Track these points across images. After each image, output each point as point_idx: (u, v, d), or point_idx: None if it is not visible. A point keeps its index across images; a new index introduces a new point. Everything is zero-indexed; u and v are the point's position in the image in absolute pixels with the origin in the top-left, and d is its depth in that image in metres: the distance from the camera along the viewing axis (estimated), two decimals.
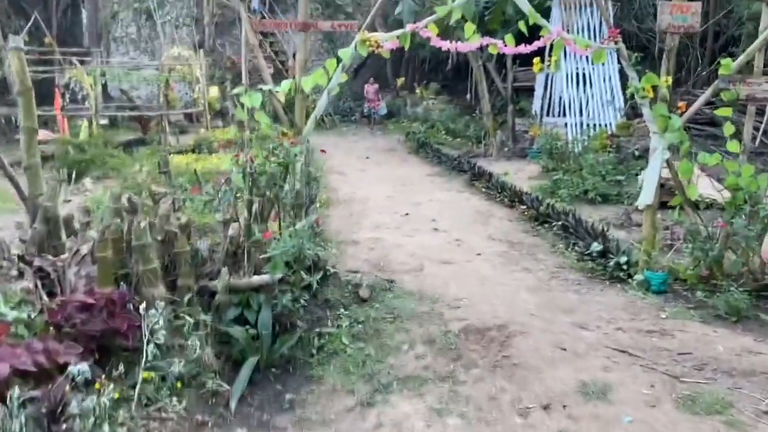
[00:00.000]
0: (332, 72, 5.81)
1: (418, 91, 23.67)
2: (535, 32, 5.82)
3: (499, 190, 10.13)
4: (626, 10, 15.11)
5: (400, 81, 25.43)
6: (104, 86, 19.72)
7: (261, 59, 6.07)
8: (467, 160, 13.25)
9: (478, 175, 11.54)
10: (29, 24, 19.26)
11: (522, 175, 11.90)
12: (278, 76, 24.29)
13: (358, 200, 10.15)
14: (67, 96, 16.47)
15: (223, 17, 24.18)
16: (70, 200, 8.01)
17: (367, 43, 5.68)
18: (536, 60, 7.49)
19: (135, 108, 19.57)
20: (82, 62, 16.29)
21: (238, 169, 5.39)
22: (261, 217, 5.40)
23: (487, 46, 5.86)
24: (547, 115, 14.64)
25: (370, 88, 22.57)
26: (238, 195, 5.50)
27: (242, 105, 5.66)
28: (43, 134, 17.74)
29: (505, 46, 5.85)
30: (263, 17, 23.62)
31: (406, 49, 6.05)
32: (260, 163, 5.51)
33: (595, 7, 14.10)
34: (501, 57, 18.13)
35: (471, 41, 5.81)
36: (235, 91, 5.77)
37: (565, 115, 13.93)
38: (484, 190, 10.70)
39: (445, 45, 5.85)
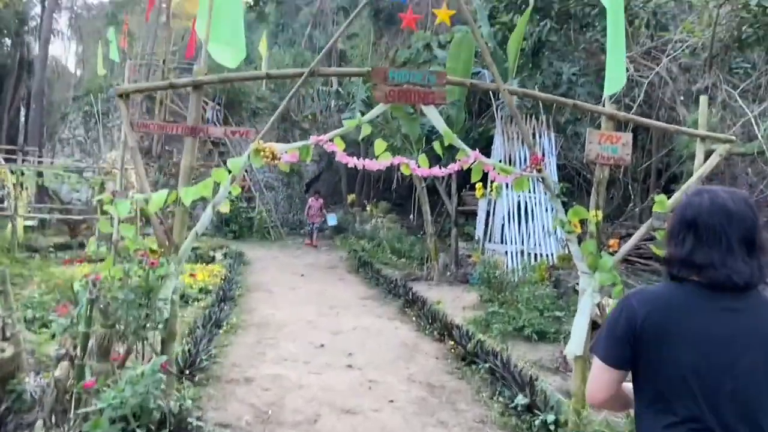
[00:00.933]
0: (222, 183, 5.01)
1: (368, 208, 23.25)
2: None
3: (430, 321, 9.22)
4: (571, 142, 15.07)
5: (351, 197, 25.10)
6: (42, 187, 18.80)
7: (139, 164, 5.25)
8: (404, 283, 12.43)
9: (411, 302, 10.66)
10: None
11: (459, 303, 11.06)
12: None
13: (274, 325, 9.11)
14: None
15: (175, 123, 23.80)
16: None
17: (262, 153, 4.94)
18: (479, 185, 6.88)
19: (64, 210, 18.50)
20: (8, 160, 15.34)
21: (83, 291, 4.41)
22: (101, 353, 4.35)
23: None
24: (489, 241, 14.07)
25: (315, 203, 21.78)
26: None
27: (108, 215, 4.77)
28: None
29: (418, 167, 5.18)
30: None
31: (307, 162, 5.34)
32: (113, 286, 4.53)
33: (538, 137, 14.00)
34: (450, 179, 17.93)
35: (381, 159, 5.13)
36: (98, 197, 4.90)
37: (505, 242, 13.38)
38: (415, 318, 9.79)
39: (352, 161, 5.16)
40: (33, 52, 29.07)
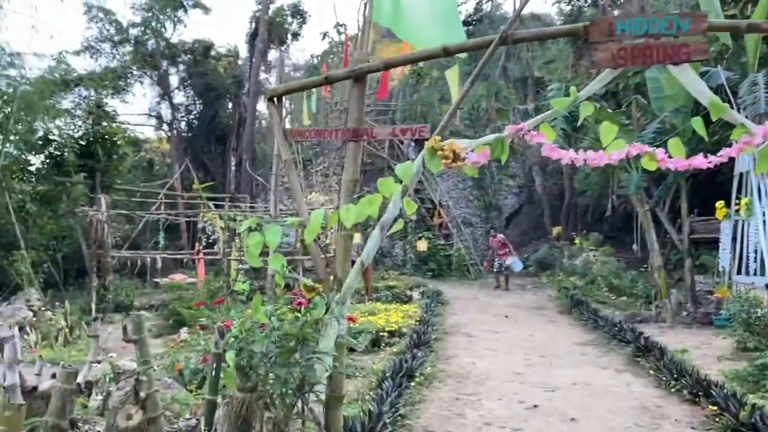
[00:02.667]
0: (392, 197, 3.77)
1: (577, 241, 20.93)
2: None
3: (675, 376, 7.08)
4: None
5: (557, 230, 22.89)
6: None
7: (294, 180, 4.23)
8: (631, 326, 10.23)
9: (644, 350, 8.51)
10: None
11: (707, 351, 8.67)
12: (422, 224, 23.06)
13: (475, 377, 7.62)
14: (203, 239, 16.11)
15: (372, 165, 23.79)
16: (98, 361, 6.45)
17: (440, 153, 3.62)
18: (719, 204, 4.97)
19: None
20: (218, 206, 15.95)
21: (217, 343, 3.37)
22: (238, 426, 3.23)
23: (654, 181, 3.56)
24: (738, 273, 11.25)
25: (494, 242, 18.71)
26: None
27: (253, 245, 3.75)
28: (179, 277, 17.54)
29: (669, 157, 3.47)
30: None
31: (502, 162, 3.91)
32: (254, 335, 3.44)
33: None
34: (674, 204, 15.20)
35: (612, 149, 3.51)
36: (245, 225, 3.90)
37: (765, 273, 10.50)
38: (652, 372, 7.66)
39: (567, 156, 3.61)
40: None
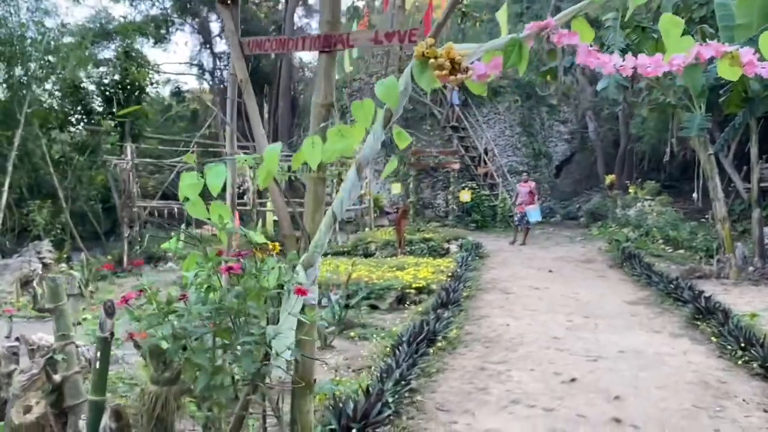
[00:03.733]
0: (369, 123, 2.80)
1: (631, 190, 19.42)
2: None
3: (742, 345, 5.97)
4: None
5: (610, 178, 21.33)
6: (296, 180, 18.85)
7: (252, 105, 3.27)
8: (690, 283, 9.03)
9: (705, 311, 7.36)
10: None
11: None
12: (466, 174, 21.86)
13: (507, 341, 6.68)
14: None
15: (414, 112, 22.57)
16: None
17: (434, 62, 2.60)
18: None
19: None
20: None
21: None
22: None
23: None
24: None
25: (523, 188, 16.07)
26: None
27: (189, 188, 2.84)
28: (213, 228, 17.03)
29: (761, 60, 2.36)
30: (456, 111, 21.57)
31: (521, 73, 2.87)
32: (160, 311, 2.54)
33: None
34: (741, 150, 13.62)
35: (673, 51, 2.42)
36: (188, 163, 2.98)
37: None
38: (714, 338, 6.55)
39: (610, 63, 2.53)
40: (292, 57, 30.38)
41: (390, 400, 4.26)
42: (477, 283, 10.04)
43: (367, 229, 14.92)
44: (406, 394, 4.77)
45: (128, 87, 15.47)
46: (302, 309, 2.99)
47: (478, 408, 4.69)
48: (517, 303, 8.77)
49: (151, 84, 16.09)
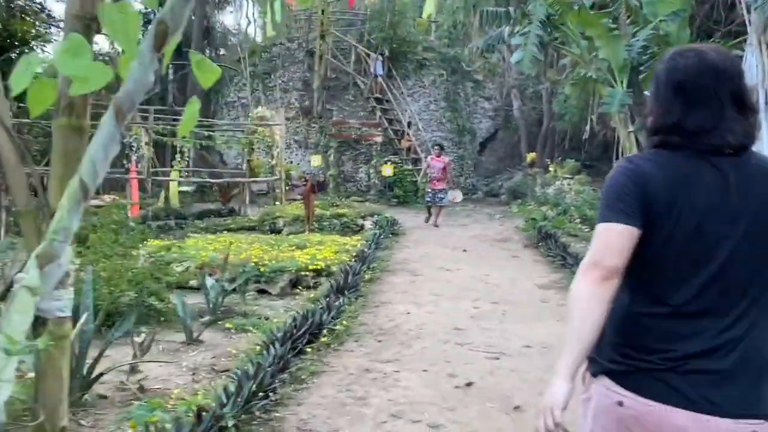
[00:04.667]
0: (133, 43, 1.74)
1: (551, 168, 19.07)
2: None
3: None
4: None
5: (531, 156, 20.97)
6: (203, 149, 17.38)
7: None
8: None
9: None
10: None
11: None
12: (389, 147, 20.97)
13: (403, 334, 5.83)
14: (132, 156, 13.94)
15: (337, 81, 21.40)
16: None
17: None
18: None
19: (215, 174, 16.90)
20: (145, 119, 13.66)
21: None
22: None
23: None
24: None
25: (436, 162, 14.16)
26: None
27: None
28: (108, 198, 15.47)
29: None
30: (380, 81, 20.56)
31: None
32: None
33: None
34: None
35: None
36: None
37: None
38: None
39: None
40: (213, 20, 28.47)
41: (230, 424, 3.29)
42: (385, 264, 9.18)
43: (277, 203, 13.80)
44: (264, 409, 3.83)
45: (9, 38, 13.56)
46: (39, 325, 1.96)
47: (349, 427, 3.79)
48: (423, 287, 7.96)
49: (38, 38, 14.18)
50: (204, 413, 3.30)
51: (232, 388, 3.78)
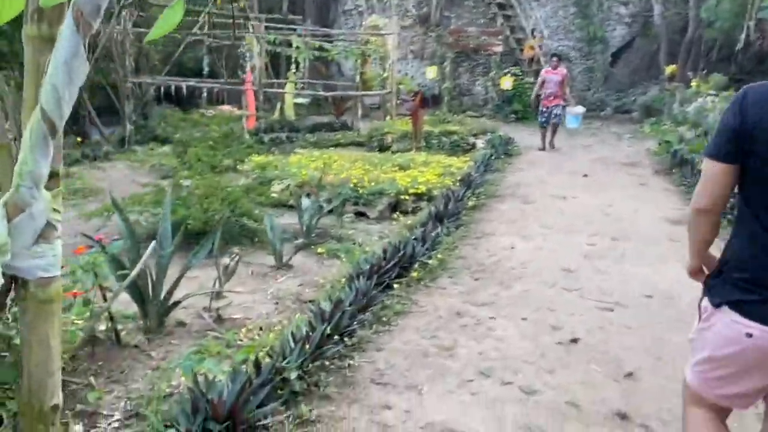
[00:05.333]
0: None
1: (693, 83, 16.84)
2: None
3: None
4: None
5: (671, 69, 18.65)
6: (318, 59, 16.99)
7: None
8: None
9: None
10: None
11: None
12: (509, 58, 19.45)
13: (504, 272, 5.24)
14: (246, 67, 13.81)
15: None
16: None
17: None
18: None
19: (328, 87, 16.53)
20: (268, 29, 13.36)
21: None
22: None
23: None
24: None
25: (552, 75, 12.29)
26: None
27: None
28: (226, 108, 15.67)
29: None
30: None
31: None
32: None
33: None
34: None
35: None
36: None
37: None
38: None
39: None
40: None
41: (293, 376, 2.94)
42: (493, 189, 8.47)
43: (388, 118, 13.22)
44: (339, 354, 3.47)
45: None
46: (28, 289, 1.60)
47: (429, 382, 3.35)
48: (533, 216, 7.22)
49: None
50: (267, 360, 2.98)
51: (305, 329, 3.44)
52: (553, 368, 3.57)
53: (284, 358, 3.00)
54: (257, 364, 2.89)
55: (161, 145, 11.74)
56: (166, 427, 2.47)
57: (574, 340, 3.93)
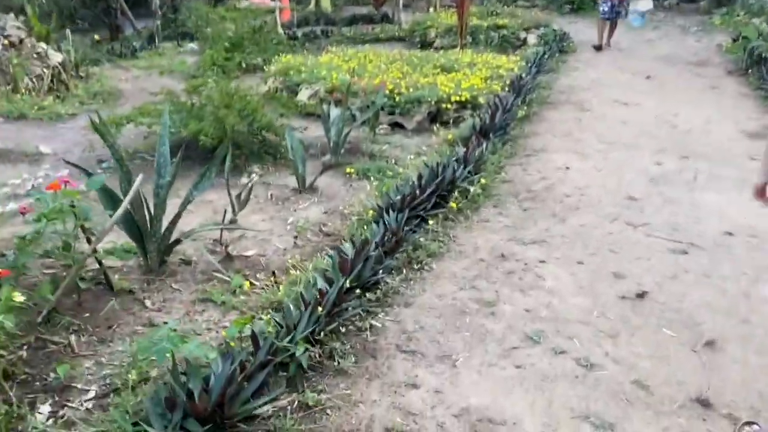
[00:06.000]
0: None
1: None
2: None
3: None
4: None
5: None
6: None
7: None
8: None
9: None
10: None
11: None
12: None
13: (557, 201, 4.50)
14: None
15: None
16: None
17: None
18: None
19: None
20: None
21: None
22: None
23: None
24: None
25: None
26: None
27: None
28: (259, 0, 14.54)
29: None
30: None
31: None
32: None
33: None
34: None
35: None
36: None
37: None
38: None
39: None
40: None
41: (299, 352, 2.38)
42: (545, 94, 7.50)
43: (431, 9, 11.96)
44: (360, 313, 2.89)
45: None
46: None
47: (466, 351, 2.75)
48: (591, 128, 6.32)
49: None
50: (270, 329, 2.42)
51: (321, 283, 2.85)
52: (616, 332, 2.93)
53: (290, 331, 2.43)
54: (254, 338, 2.33)
55: (189, 42, 10.94)
56: (134, 425, 1.96)
57: (641, 295, 3.25)
